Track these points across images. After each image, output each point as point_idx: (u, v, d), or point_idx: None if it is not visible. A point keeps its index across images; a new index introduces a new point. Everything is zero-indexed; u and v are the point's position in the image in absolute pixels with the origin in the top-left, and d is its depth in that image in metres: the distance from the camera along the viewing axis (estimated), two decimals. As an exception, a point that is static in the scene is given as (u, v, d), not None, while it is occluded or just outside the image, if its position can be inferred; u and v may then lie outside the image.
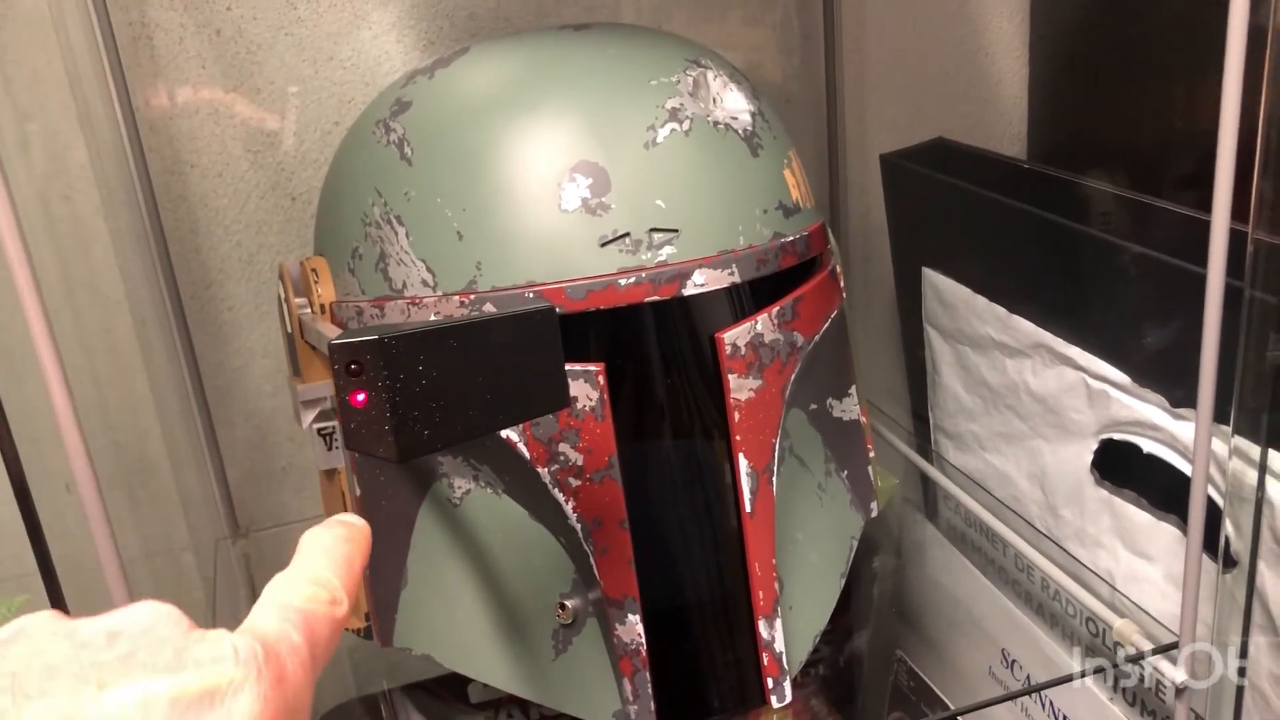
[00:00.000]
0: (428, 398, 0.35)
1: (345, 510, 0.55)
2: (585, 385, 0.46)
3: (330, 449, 0.54)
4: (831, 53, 0.80)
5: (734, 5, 0.81)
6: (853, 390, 0.57)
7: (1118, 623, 0.55)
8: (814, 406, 0.55)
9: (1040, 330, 0.63)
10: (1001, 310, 0.66)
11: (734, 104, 0.50)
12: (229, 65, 0.70)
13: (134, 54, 0.68)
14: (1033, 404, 0.65)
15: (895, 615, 0.77)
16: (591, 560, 0.47)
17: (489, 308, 0.46)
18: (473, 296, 0.47)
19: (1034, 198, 0.65)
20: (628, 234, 0.46)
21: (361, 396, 0.35)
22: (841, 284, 0.57)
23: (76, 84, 0.66)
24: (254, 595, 0.76)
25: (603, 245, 0.46)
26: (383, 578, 0.53)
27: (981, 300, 0.67)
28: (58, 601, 0.42)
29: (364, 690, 0.71)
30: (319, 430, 0.54)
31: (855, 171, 0.84)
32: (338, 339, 0.35)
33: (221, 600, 0.71)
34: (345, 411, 0.35)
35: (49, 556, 0.41)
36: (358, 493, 0.53)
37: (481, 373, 0.37)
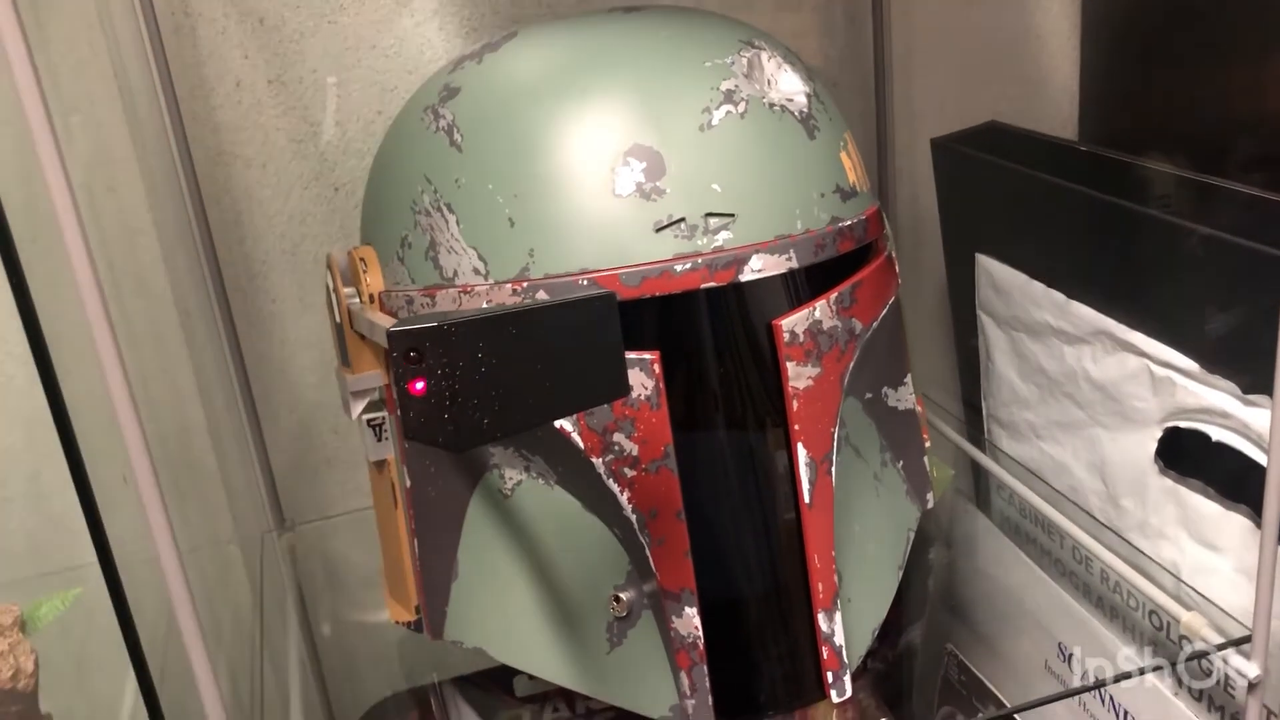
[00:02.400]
0: (487, 386, 0.35)
1: (395, 501, 0.54)
2: (640, 374, 0.45)
3: (380, 440, 0.54)
4: (880, 36, 0.78)
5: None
6: (908, 379, 0.56)
7: (1185, 615, 0.54)
8: (869, 395, 0.53)
9: (1101, 316, 0.61)
10: (1059, 296, 0.64)
11: (789, 85, 0.49)
12: (272, 55, 0.70)
13: (177, 44, 0.68)
14: (1092, 391, 0.63)
15: (946, 607, 0.75)
16: (647, 552, 0.46)
17: (542, 295, 0.45)
18: (525, 284, 0.46)
19: (1092, 181, 0.63)
20: (683, 219, 0.45)
21: (420, 385, 0.34)
22: (897, 269, 0.55)
23: (122, 75, 0.66)
24: (299, 589, 0.76)
25: (658, 231, 0.45)
26: (433, 570, 0.52)
27: (1038, 286, 0.66)
28: (118, 594, 0.42)
29: (412, 683, 0.70)
30: (368, 421, 0.53)
31: (904, 156, 0.82)
32: (396, 326, 0.34)
33: (268, 594, 0.70)
34: (404, 400, 0.34)
35: (109, 549, 0.40)
36: (408, 484, 0.52)
37: (540, 360, 0.36)
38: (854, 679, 0.49)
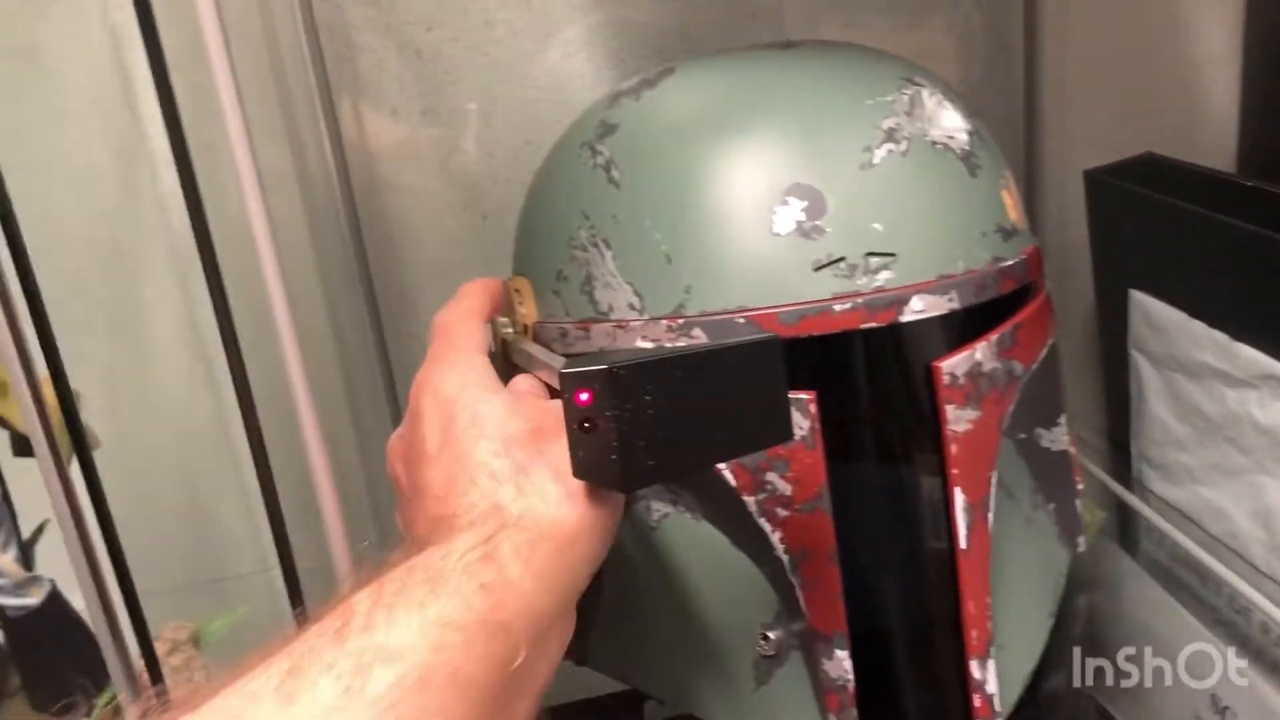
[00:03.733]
0: (654, 427, 0.35)
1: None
2: (796, 414, 0.45)
3: (530, 468, 0.54)
4: (1033, 63, 0.77)
5: (897, 12, 0.79)
6: (1062, 419, 0.54)
7: (1361, 679, 0.51)
8: (1022, 436, 0.52)
9: (1270, 360, 0.59)
10: (1222, 337, 0.62)
11: (950, 123, 0.49)
12: (427, 86, 0.71)
13: (339, 75, 0.70)
14: (1258, 437, 0.61)
15: (1088, 652, 0.73)
16: (798, 592, 0.46)
17: (698, 333, 0.46)
18: (681, 321, 0.46)
19: (1258, 217, 0.61)
20: (843, 258, 0.45)
21: (589, 425, 0.35)
22: (1053, 309, 0.54)
23: (286, 104, 0.68)
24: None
25: (817, 270, 0.45)
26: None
27: (1199, 325, 0.64)
28: (297, 602, 0.43)
29: (549, 702, 0.71)
30: (520, 449, 0.54)
31: (1052, 187, 0.80)
32: (567, 368, 0.35)
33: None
34: (574, 440, 0.35)
35: (293, 562, 0.42)
36: (557, 512, 0.53)
37: (705, 403, 0.36)
38: (1003, 727, 0.48)
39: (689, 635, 0.50)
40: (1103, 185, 0.73)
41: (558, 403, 0.36)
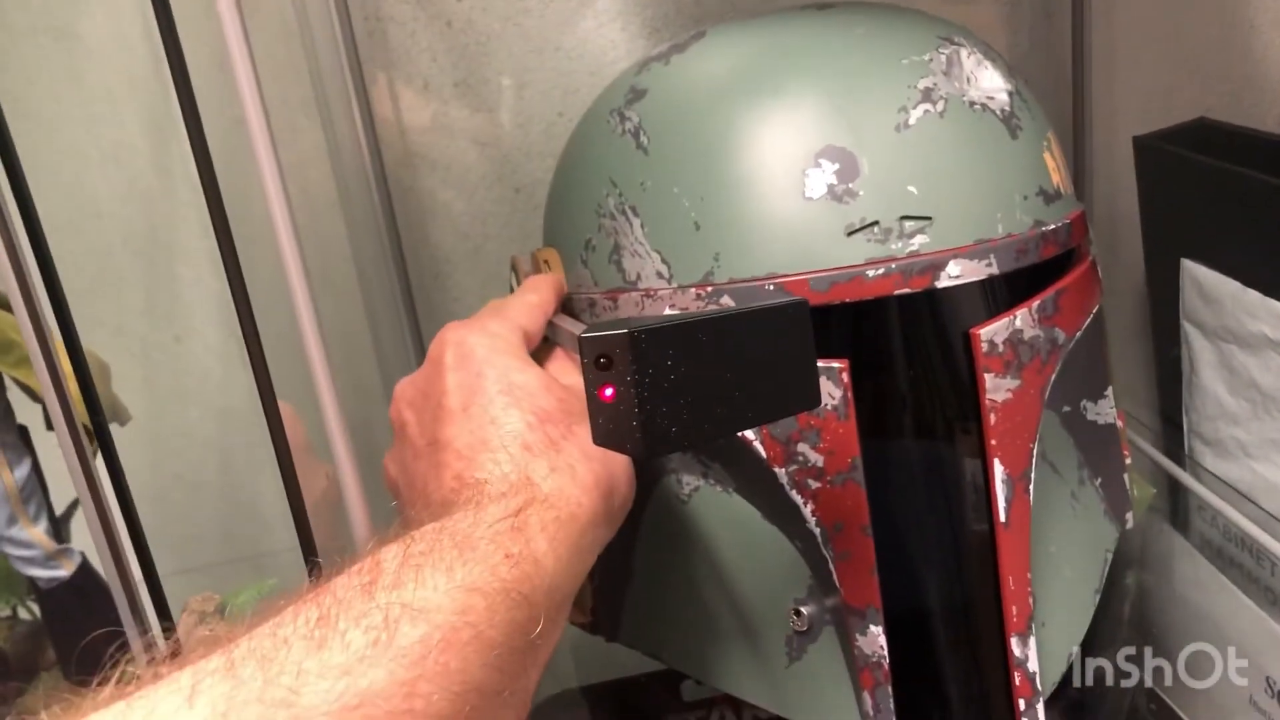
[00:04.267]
0: (675, 393, 0.34)
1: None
2: (828, 383, 0.43)
3: (559, 441, 0.54)
4: (1080, 27, 0.74)
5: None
6: (1109, 391, 0.53)
7: None
8: (1067, 408, 0.51)
9: (1328, 329, 0.56)
10: (1279, 306, 0.60)
11: (990, 83, 0.47)
12: (458, 57, 0.71)
13: (369, 48, 0.70)
14: (1315, 410, 0.59)
15: (1136, 632, 0.71)
16: (831, 566, 0.44)
17: (727, 300, 0.45)
18: (710, 288, 0.45)
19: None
20: (876, 222, 0.43)
21: (610, 391, 0.34)
22: (1099, 276, 0.52)
23: (317, 79, 0.68)
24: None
25: (849, 234, 0.43)
26: (609, 573, 0.52)
27: (1254, 295, 0.61)
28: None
29: (582, 681, 0.71)
30: (549, 422, 0.53)
31: (1100, 155, 0.78)
32: (587, 332, 0.34)
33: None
34: (594, 406, 0.34)
35: (312, 539, 0.42)
36: (586, 486, 0.52)
37: (730, 369, 0.35)
38: (1046, 708, 0.46)
39: (720, 610, 0.49)
40: (1153, 151, 0.71)
41: None
